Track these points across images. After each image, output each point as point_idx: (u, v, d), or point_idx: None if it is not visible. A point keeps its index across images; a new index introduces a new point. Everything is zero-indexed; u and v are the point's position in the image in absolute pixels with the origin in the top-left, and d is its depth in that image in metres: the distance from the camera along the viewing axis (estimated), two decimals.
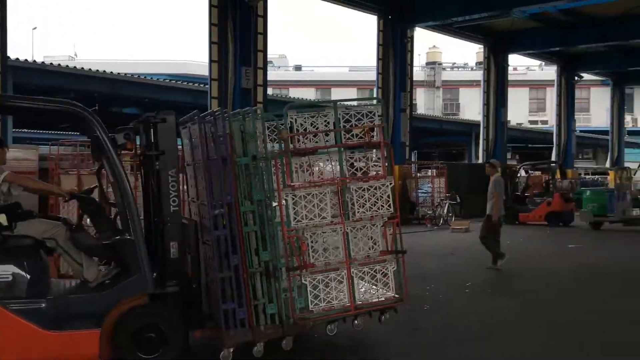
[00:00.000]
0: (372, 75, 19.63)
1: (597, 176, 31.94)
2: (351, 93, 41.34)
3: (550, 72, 31.81)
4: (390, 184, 5.30)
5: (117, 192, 4.79)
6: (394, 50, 18.38)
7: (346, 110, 5.33)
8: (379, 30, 18.50)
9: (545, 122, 49.83)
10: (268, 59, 15.89)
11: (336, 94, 42.16)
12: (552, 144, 27.13)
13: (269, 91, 17.45)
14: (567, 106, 26.71)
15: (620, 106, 30.49)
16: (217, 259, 4.79)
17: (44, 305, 4.46)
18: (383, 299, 5.28)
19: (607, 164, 33.31)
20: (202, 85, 19.47)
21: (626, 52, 25.34)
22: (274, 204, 5.01)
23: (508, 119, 24.00)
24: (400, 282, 5.32)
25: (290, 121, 5.21)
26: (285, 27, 79.37)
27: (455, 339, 5.91)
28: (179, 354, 4.73)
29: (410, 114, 19.39)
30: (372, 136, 5.33)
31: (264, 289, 4.92)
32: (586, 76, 29.70)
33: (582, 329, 6.39)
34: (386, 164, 5.25)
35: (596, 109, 50.26)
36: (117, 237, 4.78)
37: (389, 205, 5.26)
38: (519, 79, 45.88)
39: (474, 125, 29.02)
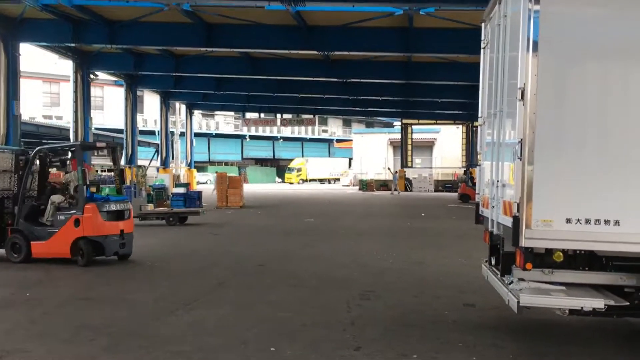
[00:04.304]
0: None
1: (113, 173, 32.96)
2: None
3: (64, 66, 31.16)
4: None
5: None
6: None
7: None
8: None
9: (60, 118, 48.67)
10: None
11: None
12: (69, 140, 26.62)
13: None
14: (84, 103, 26.58)
15: (133, 107, 32.15)
16: None
17: None
18: None
19: (122, 161, 34.78)
20: None
21: (137, 56, 26.92)
22: None
23: (21, 112, 22.32)
24: None
25: None
26: None
27: None
28: None
29: None
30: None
31: None
32: (101, 75, 30.24)
33: None
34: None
35: (110, 108, 51.97)
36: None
37: None
38: (32, 70, 43.43)
39: None
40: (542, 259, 5.58)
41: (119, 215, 10.97)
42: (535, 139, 5.33)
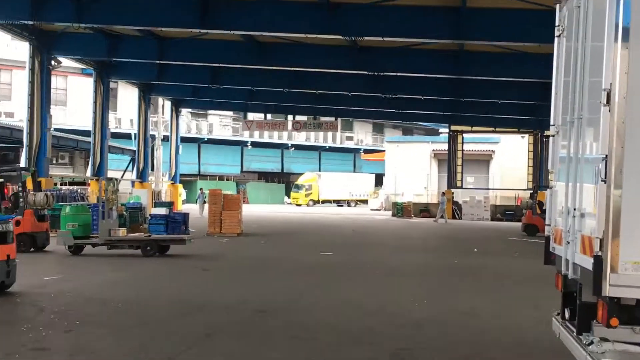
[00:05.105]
0: None
1: (75, 187, 33.26)
2: None
3: (19, 49, 31.67)
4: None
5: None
6: None
7: None
8: None
9: (11, 115, 49.40)
10: None
11: None
12: (22, 144, 27.01)
13: None
14: (42, 97, 26.97)
15: (104, 103, 32.53)
16: None
17: None
18: None
19: (89, 172, 35.16)
20: None
21: (111, 38, 27.29)
22: None
23: None
24: None
25: None
26: None
27: None
28: None
29: None
30: None
31: None
32: (65, 61, 30.69)
33: None
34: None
35: (75, 103, 52.62)
36: None
37: None
38: None
39: None
40: (632, 312, 5.52)
41: (1, 239, 11.25)
42: (624, 155, 5.30)
